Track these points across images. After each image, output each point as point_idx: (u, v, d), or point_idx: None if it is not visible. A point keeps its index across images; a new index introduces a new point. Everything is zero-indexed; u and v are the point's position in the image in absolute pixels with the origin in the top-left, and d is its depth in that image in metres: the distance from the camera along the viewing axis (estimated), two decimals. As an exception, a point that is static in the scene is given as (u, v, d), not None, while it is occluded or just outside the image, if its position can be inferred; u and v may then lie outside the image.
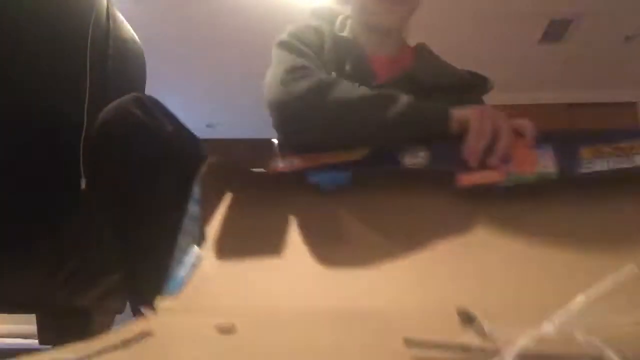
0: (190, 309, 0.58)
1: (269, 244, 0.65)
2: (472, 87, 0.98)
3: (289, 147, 0.79)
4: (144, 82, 1.38)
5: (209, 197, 0.69)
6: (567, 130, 0.70)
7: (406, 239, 0.62)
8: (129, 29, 1.35)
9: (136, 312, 0.77)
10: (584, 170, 0.63)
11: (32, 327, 1.27)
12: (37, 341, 1.26)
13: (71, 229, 1.10)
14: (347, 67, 0.92)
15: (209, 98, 4.35)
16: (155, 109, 0.79)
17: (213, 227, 0.69)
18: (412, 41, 1.04)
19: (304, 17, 1.02)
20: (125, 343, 0.44)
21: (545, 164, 0.63)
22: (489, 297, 0.53)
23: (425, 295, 0.54)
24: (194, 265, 0.63)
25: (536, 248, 0.58)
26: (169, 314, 0.58)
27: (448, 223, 0.64)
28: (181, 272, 0.63)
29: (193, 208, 0.67)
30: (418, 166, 0.67)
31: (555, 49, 3.39)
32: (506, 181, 0.64)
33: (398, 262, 0.59)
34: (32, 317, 1.27)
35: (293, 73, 0.79)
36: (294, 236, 0.66)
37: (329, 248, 0.64)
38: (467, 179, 0.64)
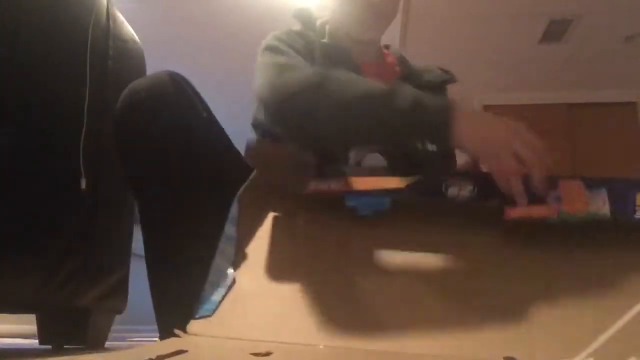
0: (224, 335, 0.58)
1: (307, 271, 0.64)
2: (445, 83, 1.00)
3: (292, 141, 0.76)
4: (144, 82, 1.38)
5: (247, 216, 0.68)
6: (622, 177, 0.66)
7: (444, 279, 0.60)
8: (129, 29, 1.35)
9: (164, 332, 0.75)
10: (639, 217, 0.60)
11: (32, 327, 1.27)
12: (37, 341, 1.26)
13: (71, 229, 1.10)
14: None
15: (209, 98, 4.36)
16: (187, 88, 0.76)
17: (250, 249, 0.67)
18: (413, 41, 1.04)
19: (288, 18, 1.01)
20: (160, 358, 0.44)
21: (598, 205, 0.61)
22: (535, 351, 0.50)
23: (464, 345, 0.52)
24: (229, 289, 0.62)
25: (586, 301, 0.55)
26: (202, 336, 0.58)
27: (490, 264, 0.61)
28: (216, 295, 0.62)
29: (230, 228, 0.66)
30: (462, 199, 0.64)
31: (555, 49, 3.38)
32: (557, 219, 0.61)
33: (435, 308, 0.57)
34: (32, 317, 1.27)
35: (283, 70, 0.76)
36: (333, 265, 0.64)
37: (367, 283, 0.61)
38: (515, 212, 0.61)
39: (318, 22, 1.00)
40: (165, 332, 0.75)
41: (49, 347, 1.24)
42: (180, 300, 0.72)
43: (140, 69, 1.38)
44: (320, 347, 0.53)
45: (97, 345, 1.27)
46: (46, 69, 1.03)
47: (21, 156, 0.97)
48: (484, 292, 0.57)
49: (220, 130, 0.81)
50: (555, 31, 3.19)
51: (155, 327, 0.78)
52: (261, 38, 0.97)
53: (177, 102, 0.74)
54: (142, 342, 1.60)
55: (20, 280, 0.99)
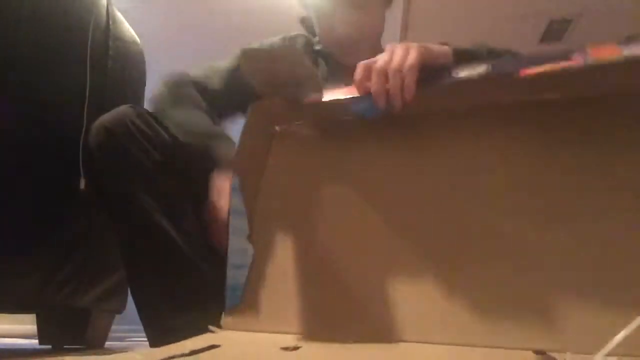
0: (256, 328, 0.58)
1: (323, 245, 0.61)
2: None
3: None
4: (144, 82, 1.38)
5: (248, 183, 0.65)
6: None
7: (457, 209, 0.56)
8: (129, 29, 1.35)
9: (155, 339, 0.76)
10: None
11: (32, 327, 1.27)
12: (37, 341, 1.26)
13: (71, 229, 1.10)
14: (324, 77, 0.93)
15: (209, 98, 4.36)
16: (151, 117, 0.80)
17: (263, 218, 0.64)
18: (413, 42, 1.04)
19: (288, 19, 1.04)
20: (194, 353, 0.45)
21: (633, 50, 0.51)
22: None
23: (491, 336, 0.50)
24: (251, 268, 0.61)
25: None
26: (235, 330, 0.58)
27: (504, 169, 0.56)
28: (240, 278, 0.60)
29: (236, 201, 0.63)
30: (477, 75, 0.57)
31: (555, 49, 3.39)
32: (585, 66, 0.52)
33: (463, 294, 0.53)
34: (32, 317, 1.27)
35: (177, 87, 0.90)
36: (350, 229, 0.61)
37: (390, 244, 0.58)
38: (532, 70, 0.54)
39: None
40: (156, 339, 0.75)
41: (49, 347, 1.24)
42: (169, 314, 0.73)
43: (140, 69, 1.38)
44: (349, 342, 0.52)
45: (97, 345, 1.27)
46: (46, 69, 1.03)
47: (21, 156, 0.97)
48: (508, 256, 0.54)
49: (185, 147, 0.83)
50: (555, 31, 3.19)
51: (156, 327, 0.78)
52: (262, 38, 0.98)
53: (140, 131, 0.76)
54: (142, 342, 1.60)
55: (20, 280, 0.99)
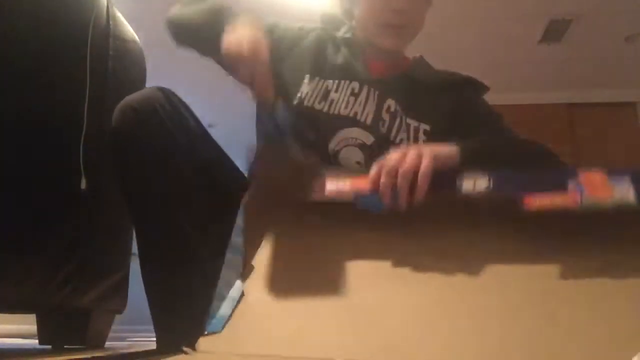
0: (234, 351, 0.57)
1: (318, 283, 0.62)
2: (465, 86, 0.99)
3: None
4: (144, 82, 1.38)
5: (253, 225, 0.67)
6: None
7: (461, 288, 0.59)
8: (129, 29, 1.35)
9: (165, 349, 0.76)
10: None
11: (32, 327, 1.27)
12: (37, 341, 1.26)
13: (71, 229, 1.09)
14: (339, 61, 0.94)
15: (209, 98, 4.35)
16: (179, 103, 0.78)
17: (258, 259, 0.66)
18: (413, 41, 1.04)
19: (307, 19, 1.04)
20: None
21: (623, 193, 0.57)
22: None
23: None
24: (238, 302, 0.61)
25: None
26: (211, 353, 0.57)
27: (507, 269, 0.59)
28: (224, 309, 0.61)
29: (236, 239, 0.65)
30: (478, 193, 0.61)
31: (555, 49, 3.38)
32: (580, 207, 0.57)
33: (453, 323, 0.55)
34: (32, 317, 1.27)
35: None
36: (343, 275, 0.62)
37: (379, 292, 0.60)
38: (535, 202, 0.58)
39: (345, 26, 1.01)
40: (165, 347, 0.75)
41: (49, 347, 1.24)
42: (181, 315, 0.72)
43: (141, 69, 1.38)
44: None
45: (97, 345, 1.27)
46: (46, 69, 1.03)
47: (21, 156, 0.97)
48: (504, 308, 0.56)
49: (211, 139, 0.83)
50: (555, 31, 3.19)
51: (155, 327, 0.78)
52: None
53: (169, 117, 0.75)
54: (142, 343, 1.60)
55: (20, 280, 0.99)
